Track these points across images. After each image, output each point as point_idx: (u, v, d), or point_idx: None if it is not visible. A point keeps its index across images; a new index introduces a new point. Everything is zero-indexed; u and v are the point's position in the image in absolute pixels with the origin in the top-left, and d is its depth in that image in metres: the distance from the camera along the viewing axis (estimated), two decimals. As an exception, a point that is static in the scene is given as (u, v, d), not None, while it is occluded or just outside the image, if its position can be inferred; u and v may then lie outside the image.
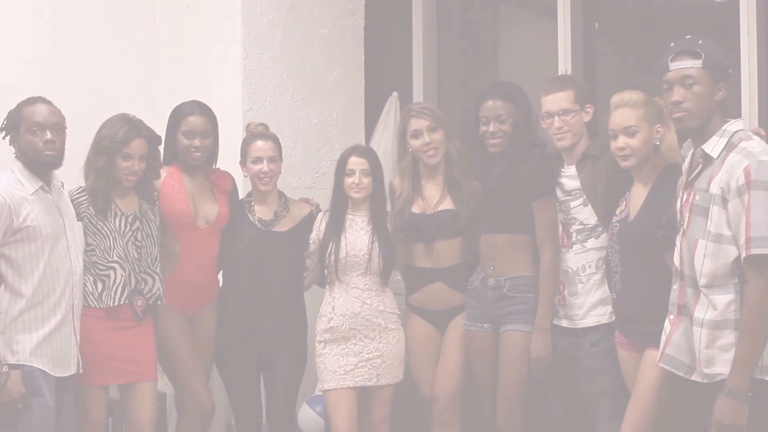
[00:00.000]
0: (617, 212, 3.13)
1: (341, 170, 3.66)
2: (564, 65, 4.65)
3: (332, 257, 3.60)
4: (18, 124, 3.15)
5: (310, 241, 3.73)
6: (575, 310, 3.29)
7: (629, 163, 3.03)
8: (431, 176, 3.67)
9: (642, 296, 2.98)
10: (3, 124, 3.20)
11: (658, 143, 3.03)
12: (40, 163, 3.15)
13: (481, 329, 3.45)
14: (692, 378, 2.60)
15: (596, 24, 4.85)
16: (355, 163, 3.63)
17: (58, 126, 3.18)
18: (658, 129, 3.03)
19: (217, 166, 3.84)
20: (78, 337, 3.21)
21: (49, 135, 3.13)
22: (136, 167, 3.37)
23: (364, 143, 5.27)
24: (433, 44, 5.36)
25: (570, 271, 3.31)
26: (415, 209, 3.64)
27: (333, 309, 3.59)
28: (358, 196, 3.63)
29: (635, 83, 4.70)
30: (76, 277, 3.22)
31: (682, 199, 2.71)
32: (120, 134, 3.34)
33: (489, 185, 3.46)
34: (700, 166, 2.61)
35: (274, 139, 3.79)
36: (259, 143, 3.72)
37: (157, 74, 5.00)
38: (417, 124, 3.63)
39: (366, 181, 3.62)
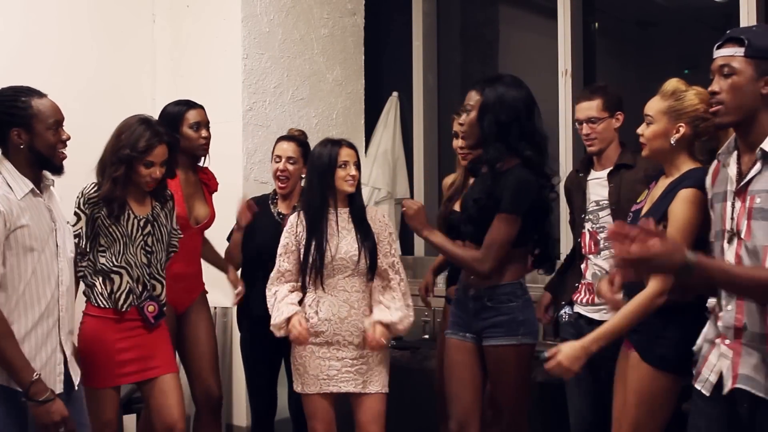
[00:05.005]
0: (638, 200, 3.06)
1: (332, 165, 3.40)
2: (564, 65, 4.66)
3: (317, 261, 3.37)
4: (29, 119, 2.78)
5: (283, 245, 3.46)
6: (603, 305, 3.25)
7: (645, 152, 2.96)
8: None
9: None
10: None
11: (673, 142, 2.87)
12: (53, 163, 2.84)
13: (462, 338, 3.28)
14: None
15: (596, 24, 4.85)
16: (348, 154, 3.43)
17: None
18: (679, 127, 2.87)
19: (206, 165, 3.89)
20: (66, 354, 2.86)
21: (66, 134, 2.86)
22: (157, 174, 3.29)
23: (364, 143, 5.29)
24: (433, 44, 5.37)
25: (599, 273, 3.31)
26: (458, 207, 3.61)
27: (317, 313, 3.38)
28: (353, 189, 3.40)
29: (635, 83, 4.72)
30: (63, 287, 2.86)
31: (732, 207, 2.41)
32: (141, 143, 3.22)
33: (472, 192, 3.28)
34: (758, 166, 2.33)
35: (299, 143, 3.86)
36: (284, 144, 3.84)
37: (157, 74, 5.00)
38: (457, 126, 3.68)
39: (357, 174, 3.44)
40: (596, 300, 3.30)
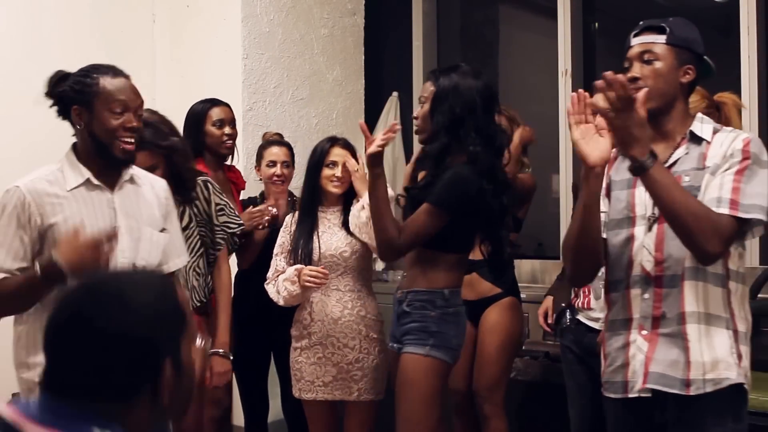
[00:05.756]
0: None
1: (320, 162, 3.33)
2: (564, 65, 4.66)
3: (306, 261, 3.25)
4: (91, 97, 2.41)
5: (279, 244, 3.40)
6: (598, 313, 3.21)
7: None
8: None
9: None
10: (59, 90, 2.46)
11: None
12: (110, 152, 2.41)
13: (391, 347, 3.07)
14: (691, 393, 2.26)
15: (596, 24, 4.85)
16: (339, 154, 3.32)
17: (141, 109, 2.48)
18: None
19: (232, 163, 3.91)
20: None
21: (134, 121, 2.41)
22: None
23: (364, 143, 5.28)
24: (433, 44, 5.37)
25: None
26: None
27: (310, 314, 3.27)
28: (338, 190, 3.29)
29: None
30: None
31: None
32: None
33: (413, 191, 3.04)
34: (683, 149, 2.31)
35: (288, 146, 3.90)
36: (275, 149, 3.84)
37: (157, 74, 5.00)
38: None
39: (346, 175, 3.31)
40: (592, 303, 3.27)
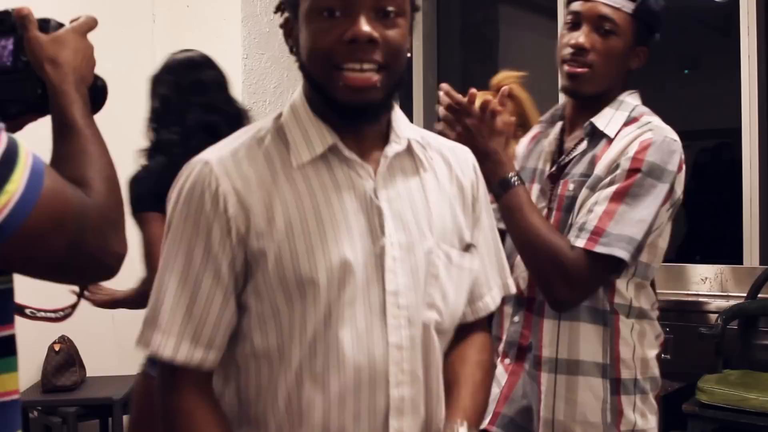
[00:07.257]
0: None
1: None
2: (564, 65, 4.66)
3: None
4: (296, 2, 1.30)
5: None
6: None
7: None
8: None
9: None
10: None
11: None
12: (332, 99, 1.29)
13: None
14: None
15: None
16: None
17: (398, 12, 1.26)
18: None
19: None
20: None
21: (363, 27, 1.22)
22: None
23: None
24: (433, 44, 5.37)
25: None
26: None
27: None
28: None
29: (634, 83, 4.71)
30: (404, 367, 1.26)
31: (550, 192, 1.89)
32: None
33: None
34: (583, 145, 1.86)
35: None
36: None
37: (157, 74, 5.00)
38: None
39: None
40: None
